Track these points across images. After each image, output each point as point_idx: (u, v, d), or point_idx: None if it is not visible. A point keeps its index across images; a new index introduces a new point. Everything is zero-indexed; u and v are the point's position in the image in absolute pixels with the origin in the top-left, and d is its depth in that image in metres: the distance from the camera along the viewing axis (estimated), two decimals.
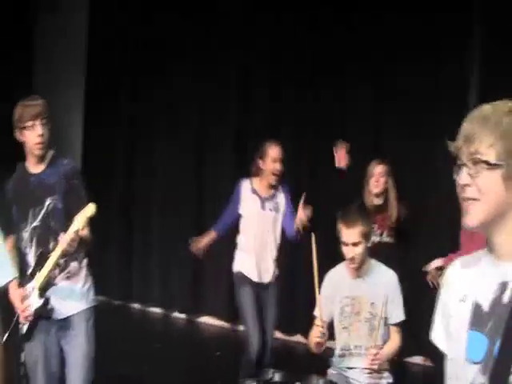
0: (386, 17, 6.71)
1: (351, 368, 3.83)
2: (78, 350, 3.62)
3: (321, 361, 3.97)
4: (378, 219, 5.25)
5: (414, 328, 6.20)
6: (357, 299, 3.84)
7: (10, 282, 3.49)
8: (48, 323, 3.60)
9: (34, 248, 3.59)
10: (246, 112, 7.63)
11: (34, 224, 3.57)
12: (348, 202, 4.83)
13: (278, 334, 6.98)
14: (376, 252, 4.09)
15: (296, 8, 7.16)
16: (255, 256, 5.07)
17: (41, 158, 3.62)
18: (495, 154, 1.65)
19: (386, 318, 3.81)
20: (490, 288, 1.67)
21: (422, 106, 6.59)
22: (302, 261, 6.99)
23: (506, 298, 1.64)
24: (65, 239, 3.32)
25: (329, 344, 4.07)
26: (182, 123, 8.03)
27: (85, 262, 3.70)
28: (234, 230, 5.28)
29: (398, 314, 3.84)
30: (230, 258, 5.30)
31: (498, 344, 1.60)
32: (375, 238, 5.09)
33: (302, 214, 4.83)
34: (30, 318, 3.51)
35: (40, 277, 3.48)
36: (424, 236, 6.57)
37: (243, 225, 5.16)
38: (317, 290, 3.73)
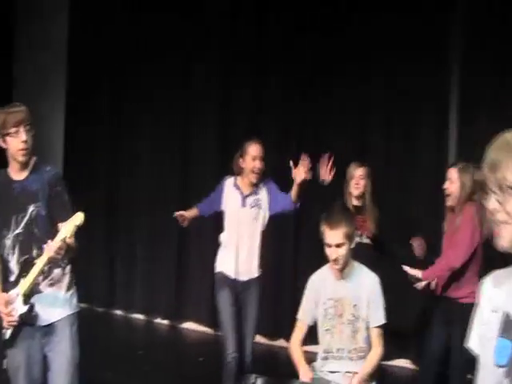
0: (366, 17, 6.78)
1: (333, 372, 3.85)
2: (62, 355, 3.61)
3: None
4: (358, 220, 5.29)
5: (398, 332, 6.30)
6: (340, 301, 3.86)
7: None
8: (31, 329, 3.59)
9: (16, 255, 3.57)
10: (230, 112, 7.64)
11: (17, 231, 3.56)
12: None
13: (261, 339, 7.00)
14: (356, 253, 4.11)
15: (279, 8, 7.23)
16: (235, 252, 5.08)
17: (24, 165, 3.61)
18: None
19: (367, 321, 3.83)
20: None
21: (404, 106, 6.66)
22: (286, 263, 7.04)
23: None
24: (52, 247, 3.31)
25: (311, 348, 4.10)
26: (166, 123, 8.03)
27: (68, 268, 3.69)
28: (217, 229, 5.30)
29: (379, 317, 3.87)
30: (213, 265, 5.29)
31: None
32: (355, 239, 5.13)
33: (301, 168, 4.82)
34: (14, 324, 3.50)
35: (25, 283, 3.47)
36: (404, 238, 6.63)
37: (225, 222, 5.19)
38: None
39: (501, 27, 6.16)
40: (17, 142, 3.52)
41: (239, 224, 5.09)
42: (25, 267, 3.50)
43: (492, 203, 1.76)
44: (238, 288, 5.09)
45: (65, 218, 3.44)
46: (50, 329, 3.62)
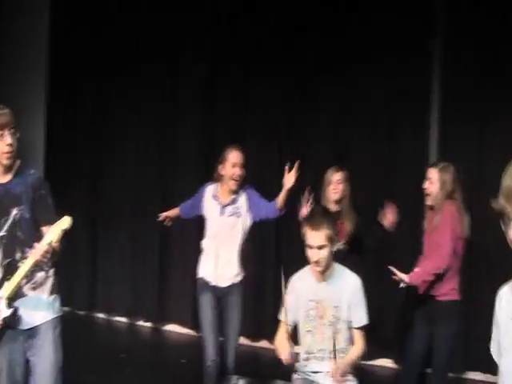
0: (349, 17, 6.83)
1: (316, 372, 3.87)
2: (45, 359, 3.60)
3: (287, 367, 3.99)
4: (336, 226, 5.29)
5: (381, 332, 6.34)
6: (321, 303, 3.87)
7: None
8: (14, 333, 3.58)
9: None
10: (212, 114, 7.64)
11: (1, 234, 3.55)
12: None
13: (244, 340, 7.00)
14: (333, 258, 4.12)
15: (258, 9, 7.25)
16: (214, 260, 5.10)
17: (8, 168, 3.59)
18: None
19: (349, 322, 3.86)
20: None
21: (385, 106, 6.71)
22: (268, 265, 7.05)
23: None
24: (38, 250, 3.31)
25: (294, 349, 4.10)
26: (148, 124, 8.02)
27: (51, 272, 3.69)
28: (199, 231, 5.33)
29: (361, 318, 3.89)
30: (195, 266, 5.31)
31: None
32: None
33: (292, 173, 4.92)
34: None
35: (9, 287, 3.46)
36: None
37: (206, 229, 5.22)
38: (284, 290, 3.78)
39: (481, 27, 6.22)
40: (2, 145, 3.51)
41: (218, 233, 5.12)
42: (8, 270, 3.49)
43: None
44: (218, 293, 5.11)
45: (49, 221, 3.45)
46: (32, 332, 3.61)
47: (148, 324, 8.06)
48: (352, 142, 6.89)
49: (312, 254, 3.82)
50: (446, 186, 4.65)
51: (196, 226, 5.63)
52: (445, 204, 4.65)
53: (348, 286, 3.90)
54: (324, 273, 3.88)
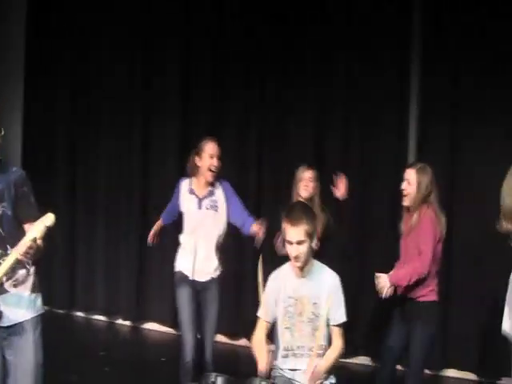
0: (327, 17, 6.87)
1: (294, 370, 3.89)
2: (25, 360, 3.58)
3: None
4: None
5: (358, 329, 6.38)
6: (300, 299, 3.88)
7: None
8: None
9: None
10: (190, 111, 7.65)
11: None
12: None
13: (223, 338, 7.03)
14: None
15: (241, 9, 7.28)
16: (193, 254, 5.11)
17: None
18: None
19: (328, 319, 3.88)
20: None
21: (363, 106, 6.74)
22: (247, 262, 7.06)
23: None
24: (21, 246, 3.30)
25: (273, 347, 4.12)
26: (126, 121, 8.02)
27: (33, 269, 3.67)
28: (177, 229, 5.33)
29: (339, 315, 3.90)
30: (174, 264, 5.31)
31: None
32: None
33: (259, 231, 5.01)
34: None
35: None
36: (365, 237, 6.72)
37: (184, 223, 5.22)
38: (261, 288, 3.79)
39: (459, 28, 6.27)
40: None
41: (196, 226, 5.12)
42: None
43: None
44: (197, 287, 5.12)
45: (31, 219, 3.44)
46: (13, 330, 3.58)
47: (127, 322, 8.05)
48: (329, 142, 6.91)
49: (291, 250, 3.82)
50: (423, 187, 4.67)
51: (175, 225, 5.62)
52: (422, 208, 4.65)
53: (327, 282, 3.90)
54: (303, 268, 3.88)
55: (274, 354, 3.93)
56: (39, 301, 3.73)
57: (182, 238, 5.23)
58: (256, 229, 5.05)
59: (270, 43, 7.12)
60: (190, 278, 5.11)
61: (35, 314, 3.67)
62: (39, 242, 3.36)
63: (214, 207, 5.13)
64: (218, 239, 5.17)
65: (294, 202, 4.93)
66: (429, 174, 4.71)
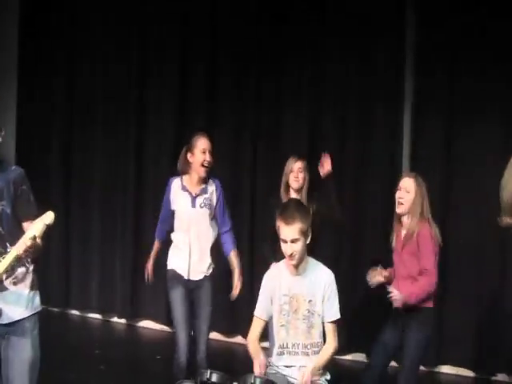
0: (321, 15, 6.89)
1: (289, 366, 3.91)
2: (23, 355, 3.59)
3: None
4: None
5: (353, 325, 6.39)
6: (295, 297, 3.90)
7: None
8: None
9: None
10: (186, 110, 7.65)
11: None
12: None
13: (218, 336, 7.04)
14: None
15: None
16: (188, 253, 5.08)
17: None
18: None
19: (322, 316, 3.89)
20: None
21: (357, 106, 6.76)
22: (242, 260, 7.06)
23: None
24: (21, 244, 3.31)
25: (267, 344, 4.14)
26: (120, 120, 8.01)
27: (31, 268, 3.68)
28: (172, 230, 5.29)
29: (334, 312, 3.92)
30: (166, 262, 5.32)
31: None
32: None
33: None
34: None
35: None
36: (358, 238, 6.74)
37: (176, 221, 5.17)
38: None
39: (453, 28, 6.29)
40: None
41: (190, 225, 5.09)
42: None
43: None
44: (190, 286, 5.11)
45: (31, 217, 3.46)
46: (11, 328, 3.59)
47: (122, 320, 8.05)
48: (325, 141, 6.92)
49: (286, 248, 3.84)
50: (421, 195, 4.63)
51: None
52: (418, 223, 4.61)
53: (322, 280, 3.92)
54: (298, 266, 3.90)
55: (269, 352, 3.95)
56: (37, 299, 3.74)
57: (175, 235, 5.19)
58: (234, 280, 5.17)
59: (265, 43, 7.12)
60: (185, 278, 5.10)
61: (33, 312, 3.69)
62: (39, 240, 3.37)
63: (208, 205, 5.11)
64: (213, 237, 5.17)
65: (288, 200, 4.93)
66: (423, 183, 4.69)
